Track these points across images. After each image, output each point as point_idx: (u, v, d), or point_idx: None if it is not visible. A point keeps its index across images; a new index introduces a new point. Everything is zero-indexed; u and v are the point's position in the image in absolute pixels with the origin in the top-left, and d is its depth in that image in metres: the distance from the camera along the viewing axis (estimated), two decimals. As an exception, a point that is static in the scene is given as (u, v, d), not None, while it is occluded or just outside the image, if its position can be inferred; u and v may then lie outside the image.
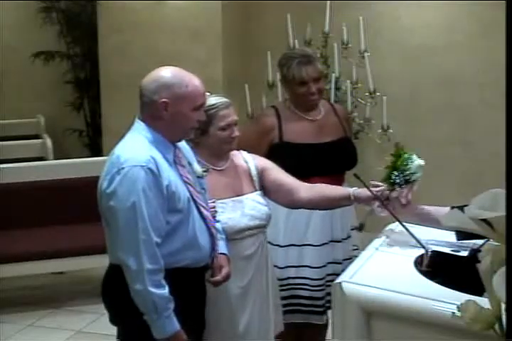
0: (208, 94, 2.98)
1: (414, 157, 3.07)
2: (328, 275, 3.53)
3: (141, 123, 2.67)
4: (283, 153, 3.50)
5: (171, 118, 2.63)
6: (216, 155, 3.06)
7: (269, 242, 3.36)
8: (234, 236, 2.98)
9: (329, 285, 3.49)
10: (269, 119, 3.57)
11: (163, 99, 2.61)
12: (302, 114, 3.58)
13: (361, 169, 3.67)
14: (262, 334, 3.12)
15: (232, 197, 3.04)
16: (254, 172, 3.15)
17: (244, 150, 3.23)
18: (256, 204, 3.07)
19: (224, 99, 3.01)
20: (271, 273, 3.19)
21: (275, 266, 3.40)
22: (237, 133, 3.02)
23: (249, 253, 3.04)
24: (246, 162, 3.16)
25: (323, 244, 3.54)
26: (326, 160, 3.53)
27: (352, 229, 3.68)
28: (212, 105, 2.94)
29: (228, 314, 2.99)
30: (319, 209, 3.31)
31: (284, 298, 3.49)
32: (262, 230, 3.10)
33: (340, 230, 3.59)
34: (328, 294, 3.50)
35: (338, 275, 3.46)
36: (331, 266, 3.55)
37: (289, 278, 3.50)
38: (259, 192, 3.12)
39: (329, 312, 3.42)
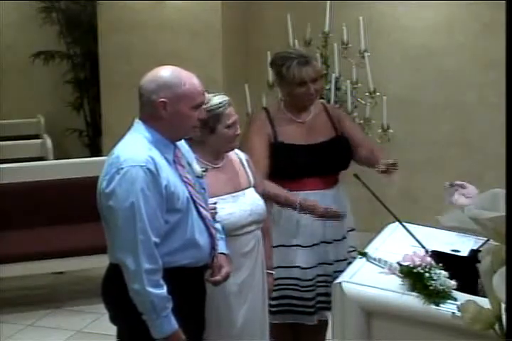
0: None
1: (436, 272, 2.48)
2: (319, 276, 3.53)
3: (141, 124, 2.68)
4: (277, 154, 3.50)
5: (171, 118, 2.63)
6: (218, 153, 3.10)
7: None
8: (234, 232, 3.00)
9: (320, 286, 3.50)
10: (263, 122, 3.56)
11: (162, 99, 2.61)
12: (292, 116, 3.57)
13: (361, 169, 3.67)
14: (259, 330, 3.14)
15: (232, 192, 3.08)
16: (247, 167, 3.20)
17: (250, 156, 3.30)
18: (254, 199, 3.12)
19: (227, 97, 3.06)
20: (264, 270, 3.20)
21: None
22: (239, 131, 3.08)
23: (247, 250, 3.07)
24: (240, 158, 3.21)
25: (313, 245, 3.53)
26: (317, 161, 3.51)
27: (349, 231, 3.67)
28: (219, 104, 2.99)
29: (226, 311, 3.01)
30: None
31: (274, 298, 3.49)
32: (259, 226, 3.14)
33: (332, 231, 3.57)
34: (319, 295, 3.51)
35: (329, 276, 3.48)
36: (321, 267, 3.53)
37: (279, 278, 3.49)
38: (253, 189, 3.17)
39: (329, 312, 3.42)
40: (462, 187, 2.84)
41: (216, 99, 2.99)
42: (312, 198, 3.51)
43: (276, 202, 3.44)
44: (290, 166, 3.48)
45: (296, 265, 3.51)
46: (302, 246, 3.51)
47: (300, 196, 3.47)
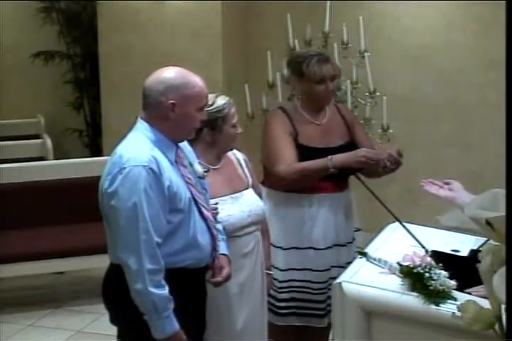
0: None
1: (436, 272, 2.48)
2: (331, 278, 3.49)
3: (144, 123, 2.67)
4: (297, 155, 3.45)
5: (178, 119, 2.64)
6: (221, 153, 3.12)
7: (272, 244, 3.36)
8: (234, 233, 3.00)
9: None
10: (284, 120, 3.50)
11: (172, 101, 2.61)
12: (309, 116, 3.53)
13: (361, 169, 3.66)
14: (259, 331, 3.15)
15: (231, 194, 3.08)
16: (245, 167, 3.21)
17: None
18: (253, 200, 3.13)
19: (228, 98, 3.08)
20: (264, 270, 3.20)
21: (276, 267, 3.40)
22: (240, 130, 3.10)
23: (247, 251, 3.07)
24: (237, 159, 3.21)
25: (327, 248, 3.52)
26: None
27: (355, 231, 3.66)
28: (224, 104, 3.02)
29: (227, 311, 3.01)
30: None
31: (283, 300, 3.49)
32: (258, 227, 3.14)
33: (344, 234, 3.56)
34: (330, 297, 3.49)
35: None
36: (335, 269, 3.49)
37: (290, 280, 3.48)
38: (252, 189, 3.18)
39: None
40: (446, 183, 2.90)
41: (220, 100, 3.02)
42: (327, 201, 3.49)
43: (308, 175, 3.38)
44: None
45: (309, 267, 3.49)
46: (316, 249, 3.50)
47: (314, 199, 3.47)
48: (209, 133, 3.00)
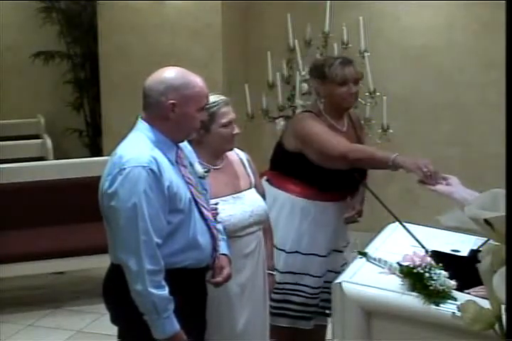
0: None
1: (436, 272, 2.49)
2: (325, 282, 3.51)
3: (145, 124, 2.67)
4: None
5: (178, 119, 2.63)
6: (216, 153, 3.07)
7: (275, 246, 3.36)
8: (235, 233, 2.99)
9: (324, 292, 3.49)
10: (319, 121, 3.47)
11: (171, 101, 2.61)
12: (332, 121, 3.50)
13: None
14: (260, 331, 3.14)
15: (232, 194, 3.06)
16: (247, 167, 3.18)
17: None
18: (255, 200, 3.10)
19: (223, 97, 3.04)
20: (266, 270, 3.20)
21: (275, 269, 3.40)
22: (237, 130, 3.04)
23: (248, 251, 3.06)
24: (240, 159, 3.19)
25: (328, 254, 3.54)
26: (351, 174, 3.45)
27: None
28: (213, 103, 2.96)
29: (228, 312, 3.00)
30: None
31: (276, 301, 3.48)
32: (260, 227, 3.12)
33: (342, 239, 3.59)
34: (322, 301, 3.51)
35: None
36: (330, 274, 3.52)
37: (286, 283, 3.48)
38: (254, 189, 3.16)
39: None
40: (444, 179, 2.92)
41: (211, 99, 2.94)
42: (333, 210, 3.51)
43: (368, 159, 3.28)
44: (330, 179, 3.42)
45: (308, 273, 3.50)
46: (319, 255, 3.50)
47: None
48: (198, 132, 2.88)
